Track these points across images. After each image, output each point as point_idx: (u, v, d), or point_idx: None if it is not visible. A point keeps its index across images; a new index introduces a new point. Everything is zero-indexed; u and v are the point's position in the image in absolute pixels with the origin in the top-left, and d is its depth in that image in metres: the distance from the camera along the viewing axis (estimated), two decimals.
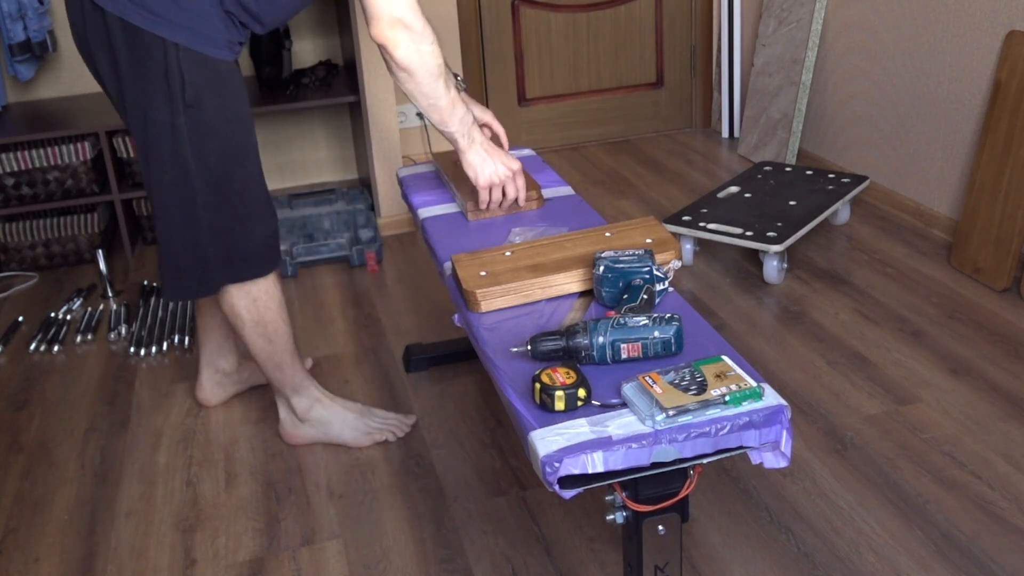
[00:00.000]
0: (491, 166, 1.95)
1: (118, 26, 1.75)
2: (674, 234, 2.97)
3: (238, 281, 2.00)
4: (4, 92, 3.41)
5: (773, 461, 1.36)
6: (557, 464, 1.24)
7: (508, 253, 1.74)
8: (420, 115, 3.77)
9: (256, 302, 2.03)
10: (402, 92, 3.61)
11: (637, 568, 1.42)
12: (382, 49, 1.79)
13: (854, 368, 2.37)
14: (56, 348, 2.76)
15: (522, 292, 1.65)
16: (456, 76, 2.13)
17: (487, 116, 2.15)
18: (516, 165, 1.97)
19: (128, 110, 1.84)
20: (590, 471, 1.25)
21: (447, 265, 1.82)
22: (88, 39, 1.82)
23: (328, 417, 2.18)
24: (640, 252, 1.59)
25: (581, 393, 1.33)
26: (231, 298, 2.02)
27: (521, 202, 2.01)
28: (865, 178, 3.17)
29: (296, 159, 3.82)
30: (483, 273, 1.67)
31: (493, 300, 1.64)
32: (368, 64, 3.19)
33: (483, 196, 1.98)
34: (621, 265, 1.57)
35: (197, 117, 1.81)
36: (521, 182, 1.99)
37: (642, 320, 1.43)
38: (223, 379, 2.37)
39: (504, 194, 1.99)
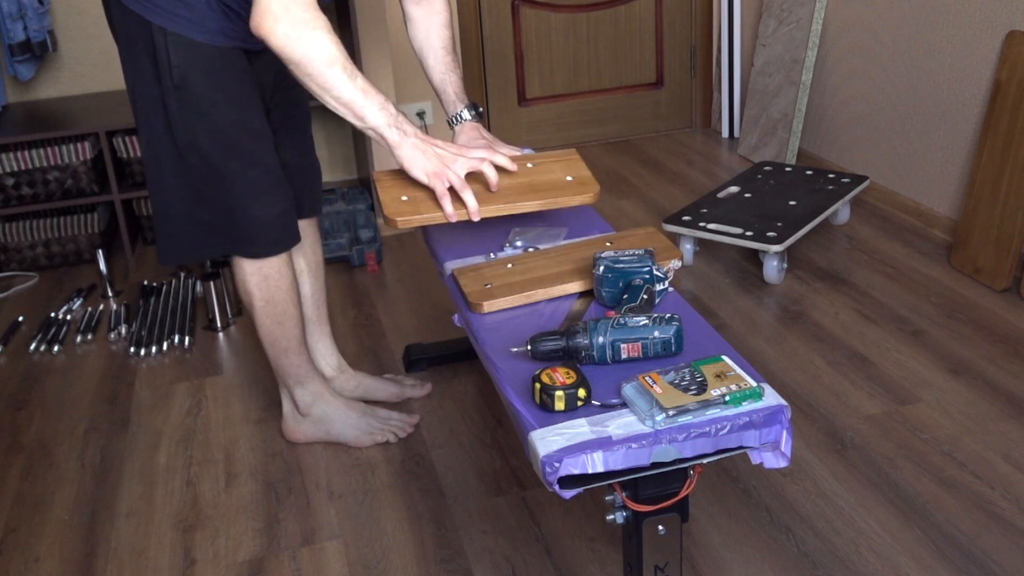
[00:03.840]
0: (428, 161, 1.73)
1: (117, 6, 1.84)
2: (674, 234, 2.97)
3: (243, 255, 2.01)
4: (4, 92, 3.41)
5: (773, 461, 1.36)
6: (557, 464, 1.24)
7: (509, 266, 1.74)
8: (420, 115, 3.77)
9: (267, 280, 2.03)
10: (403, 92, 3.61)
11: (637, 568, 1.42)
12: (263, 42, 1.70)
13: (854, 368, 2.37)
14: (56, 348, 2.75)
15: (523, 292, 1.65)
16: (475, 106, 2.03)
17: (501, 158, 1.84)
18: (458, 161, 1.74)
19: (127, 82, 1.92)
20: (590, 471, 1.26)
21: (447, 265, 1.82)
22: (106, 16, 1.93)
23: (330, 415, 2.18)
24: (640, 252, 1.59)
25: (581, 393, 1.33)
26: (243, 273, 2.03)
27: (507, 165, 1.77)
28: (865, 178, 3.17)
29: None
30: (488, 286, 1.68)
31: (494, 300, 1.64)
32: (368, 64, 3.19)
33: (438, 193, 1.74)
34: (621, 265, 1.57)
35: (185, 98, 1.84)
36: (469, 162, 1.76)
37: (642, 320, 1.43)
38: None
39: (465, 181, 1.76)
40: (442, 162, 1.74)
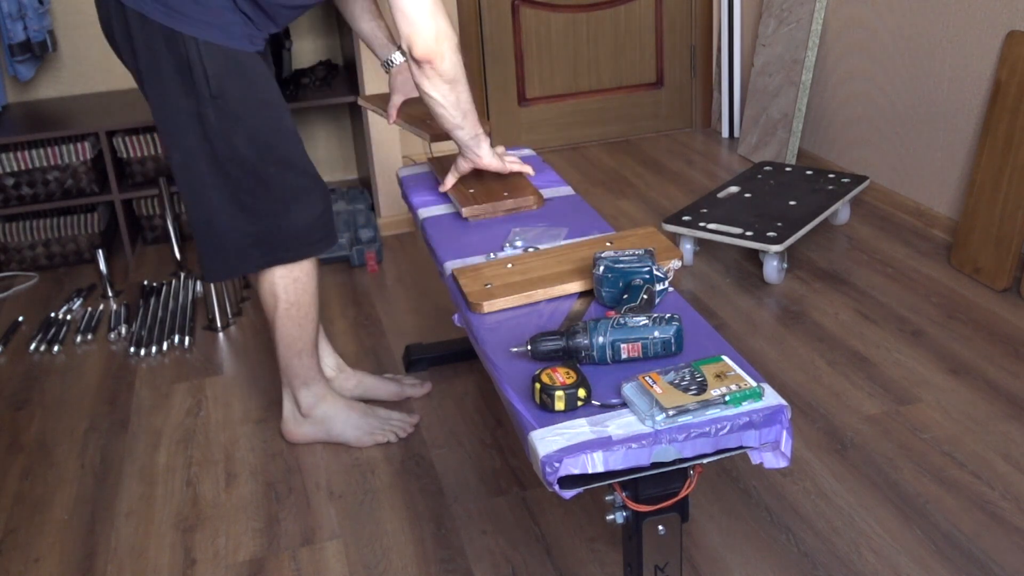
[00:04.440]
0: (494, 151, 2.05)
1: (137, 20, 1.80)
2: (674, 234, 2.98)
3: (288, 260, 2.01)
4: (4, 92, 3.41)
5: (773, 461, 1.36)
6: (557, 464, 1.24)
7: (509, 266, 1.74)
8: None
9: (296, 282, 2.04)
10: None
11: (637, 568, 1.42)
12: (427, 67, 1.78)
13: (854, 368, 2.37)
14: (56, 348, 2.75)
15: (524, 292, 1.65)
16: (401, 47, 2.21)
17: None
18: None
19: (150, 100, 1.89)
20: (590, 471, 1.26)
21: (447, 265, 1.82)
22: (113, 32, 1.87)
23: (332, 416, 2.18)
24: (640, 252, 1.59)
25: (581, 393, 1.33)
26: (273, 276, 2.03)
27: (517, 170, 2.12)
28: (865, 178, 3.17)
29: None
30: (488, 286, 1.68)
31: (494, 300, 1.64)
32: (368, 64, 3.19)
33: (517, 168, 2.08)
34: (621, 265, 1.57)
35: (223, 107, 1.84)
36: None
37: (642, 320, 1.43)
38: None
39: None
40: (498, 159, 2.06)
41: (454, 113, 1.89)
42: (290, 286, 2.04)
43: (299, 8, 1.92)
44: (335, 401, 2.20)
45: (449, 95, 1.84)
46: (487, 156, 2.01)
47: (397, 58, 2.18)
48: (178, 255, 3.12)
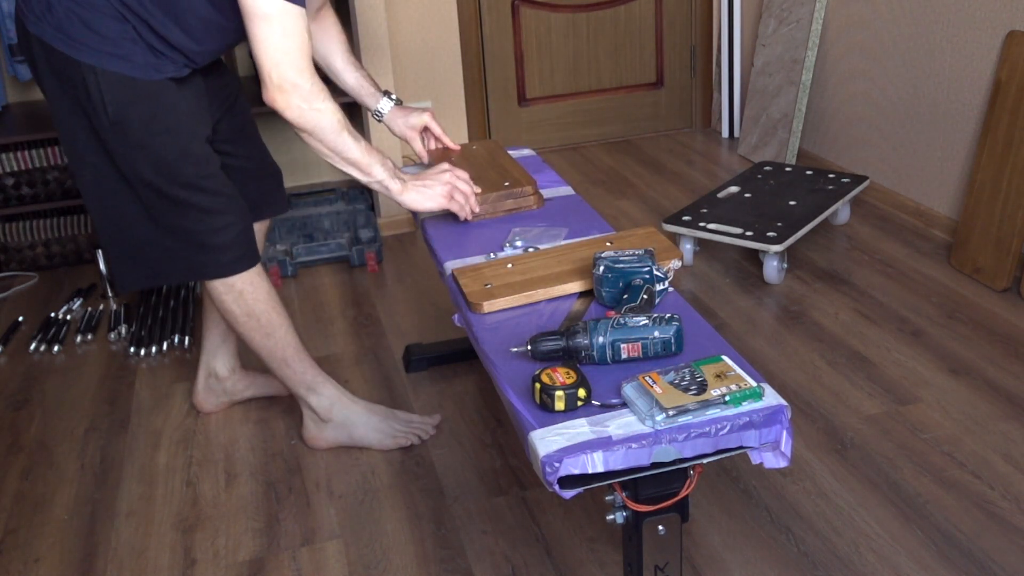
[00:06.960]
0: (432, 191, 1.95)
1: (39, 47, 1.80)
2: (674, 234, 2.98)
3: (208, 277, 1.99)
4: (4, 92, 3.41)
5: (773, 461, 1.36)
6: (557, 464, 1.24)
7: (509, 266, 1.74)
8: None
9: (243, 295, 2.01)
10: (402, 93, 3.60)
11: (637, 568, 1.42)
12: (278, 111, 1.79)
13: (854, 368, 2.37)
14: (56, 348, 2.76)
15: (524, 292, 1.65)
16: (388, 93, 2.19)
17: (425, 117, 2.19)
18: (446, 174, 1.96)
19: (56, 122, 1.89)
20: (590, 471, 1.26)
21: (447, 265, 1.83)
22: (24, 55, 1.88)
23: (352, 419, 2.16)
24: (640, 252, 1.59)
25: (581, 393, 1.33)
26: (217, 294, 2.01)
27: (476, 190, 2.01)
28: (865, 178, 3.17)
29: (296, 159, 3.82)
30: (488, 285, 1.68)
31: (494, 300, 1.64)
32: (367, 64, 3.19)
33: (456, 209, 1.97)
34: (621, 265, 1.57)
35: (123, 133, 1.83)
36: (463, 174, 1.98)
37: (642, 320, 1.43)
38: (215, 384, 2.34)
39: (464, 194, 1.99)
40: (439, 183, 1.95)
41: (334, 160, 1.86)
42: (237, 299, 2.01)
43: (210, 52, 1.90)
44: (353, 404, 2.17)
45: (311, 142, 1.82)
46: (416, 203, 1.94)
47: (385, 107, 2.18)
48: None
